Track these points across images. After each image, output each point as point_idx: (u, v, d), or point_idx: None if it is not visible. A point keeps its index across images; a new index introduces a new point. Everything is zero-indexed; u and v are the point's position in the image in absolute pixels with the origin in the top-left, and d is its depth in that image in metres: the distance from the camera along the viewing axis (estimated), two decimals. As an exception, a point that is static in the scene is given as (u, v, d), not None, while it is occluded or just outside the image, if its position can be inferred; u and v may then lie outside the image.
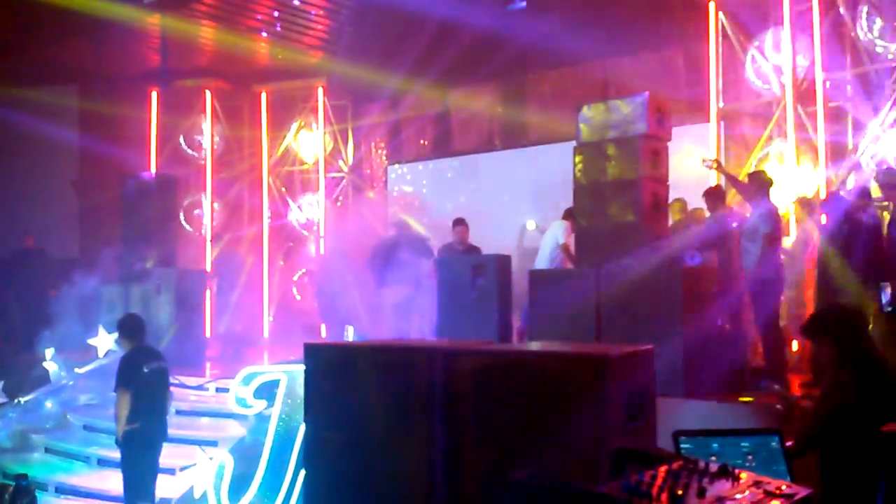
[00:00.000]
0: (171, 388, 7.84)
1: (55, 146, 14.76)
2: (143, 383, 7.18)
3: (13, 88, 13.70)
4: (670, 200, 8.79)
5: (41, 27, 12.83)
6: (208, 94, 15.27)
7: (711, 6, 10.74)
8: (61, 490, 8.59)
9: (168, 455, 7.63)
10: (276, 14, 12.90)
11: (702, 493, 2.12)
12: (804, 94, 10.10)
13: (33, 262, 13.60)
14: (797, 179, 9.89)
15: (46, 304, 11.56)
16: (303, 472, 4.74)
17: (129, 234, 12.42)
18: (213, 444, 8.20)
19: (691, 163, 10.30)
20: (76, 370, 10.66)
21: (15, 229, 14.17)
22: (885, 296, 6.82)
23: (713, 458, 2.40)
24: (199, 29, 13.22)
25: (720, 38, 10.81)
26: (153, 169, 14.62)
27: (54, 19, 12.40)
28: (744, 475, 2.26)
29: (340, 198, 15.30)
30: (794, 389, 7.37)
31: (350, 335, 9.94)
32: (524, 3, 9.21)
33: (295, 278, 14.90)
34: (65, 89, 14.84)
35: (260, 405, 7.07)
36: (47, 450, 9.79)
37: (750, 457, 2.87)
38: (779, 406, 6.19)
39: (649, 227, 7.77)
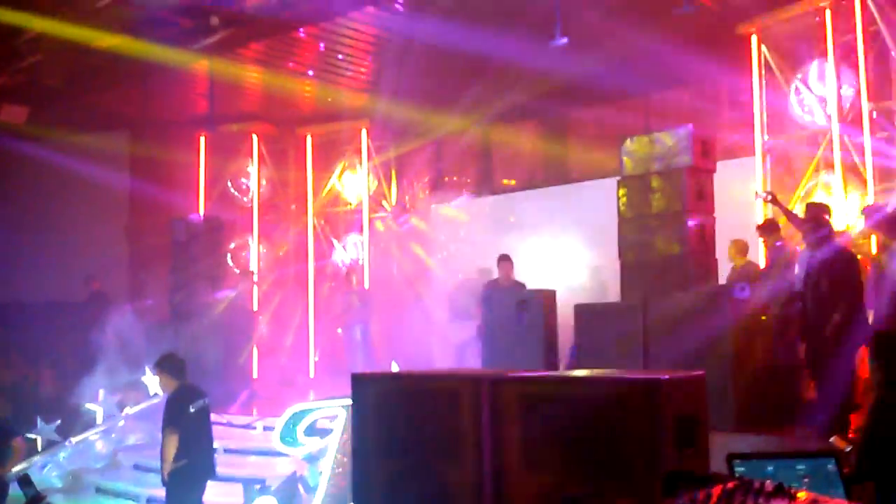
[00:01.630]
0: (219, 427, 7.89)
1: (106, 191, 15.04)
2: (191, 422, 7.23)
3: (66, 134, 14.07)
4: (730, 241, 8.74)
5: (92, 74, 13.18)
6: (255, 137, 15.52)
7: (754, 39, 10.70)
8: (112, 529, 8.66)
9: (216, 493, 7.66)
10: (320, 58, 13.12)
11: (758, 511, 2.07)
12: (850, 124, 9.99)
13: (100, 306, 13.77)
14: (845, 210, 9.75)
15: (97, 345, 11.72)
16: None
17: (178, 275, 12.60)
18: (261, 482, 8.20)
19: (737, 196, 10.22)
20: (126, 410, 10.78)
21: (67, 273, 14.42)
22: None
23: (769, 481, 2.33)
24: (246, 73, 13.48)
25: (763, 71, 10.75)
26: (201, 212, 14.84)
27: (105, 66, 12.77)
28: (801, 494, 2.20)
29: (384, 237, 15.37)
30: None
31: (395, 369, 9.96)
32: (566, 39, 9.25)
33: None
34: (116, 135, 15.17)
35: (312, 444, 7.02)
36: (98, 489, 9.87)
37: (806, 479, 2.79)
38: (835, 441, 6.02)
39: (696, 259, 7.72)
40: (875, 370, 4.26)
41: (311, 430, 7.04)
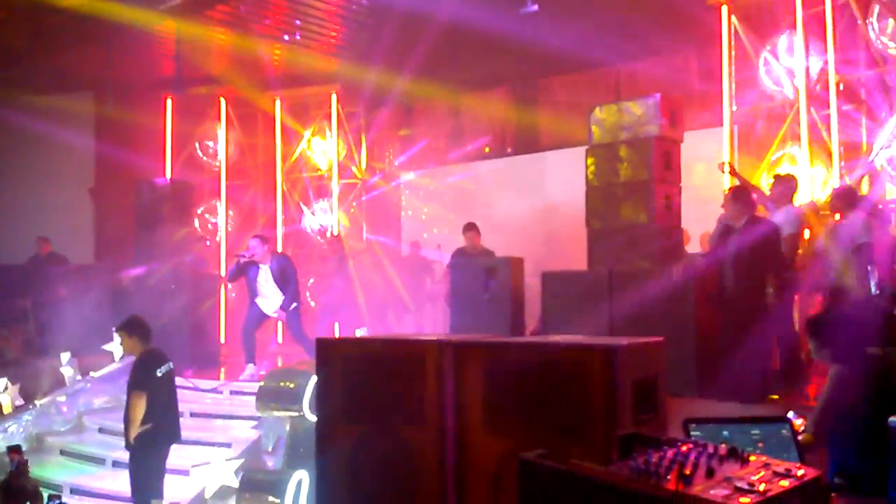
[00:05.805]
0: (185, 391, 7.87)
1: (71, 153, 14.88)
2: (158, 386, 7.20)
3: (29, 95, 13.84)
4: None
5: (56, 34, 12.94)
6: (223, 101, 15.35)
7: (724, 9, 10.72)
8: (76, 491, 8.59)
9: (181, 456, 7.65)
10: (290, 21, 12.98)
11: (710, 473, 2.11)
12: (817, 97, 10.06)
13: (50, 267, 13.64)
14: (810, 182, 9.86)
15: (62, 308, 11.61)
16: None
17: (143, 239, 12.45)
18: (227, 446, 8.22)
19: (704, 165, 10.29)
20: (92, 374, 10.71)
21: (31, 235, 14.25)
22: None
23: (723, 444, 2.39)
24: (214, 36, 13.30)
25: (733, 42, 10.78)
26: (168, 175, 14.68)
27: (69, 26, 12.53)
28: (753, 458, 2.25)
29: (354, 203, 15.31)
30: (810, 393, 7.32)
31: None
32: (536, 7, 9.21)
33: (309, 283, 14.88)
34: (80, 96, 14.95)
35: None
36: (62, 452, 9.81)
37: (761, 444, 2.86)
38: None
39: (662, 227, 7.77)
40: (816, 350, 4.35)
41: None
